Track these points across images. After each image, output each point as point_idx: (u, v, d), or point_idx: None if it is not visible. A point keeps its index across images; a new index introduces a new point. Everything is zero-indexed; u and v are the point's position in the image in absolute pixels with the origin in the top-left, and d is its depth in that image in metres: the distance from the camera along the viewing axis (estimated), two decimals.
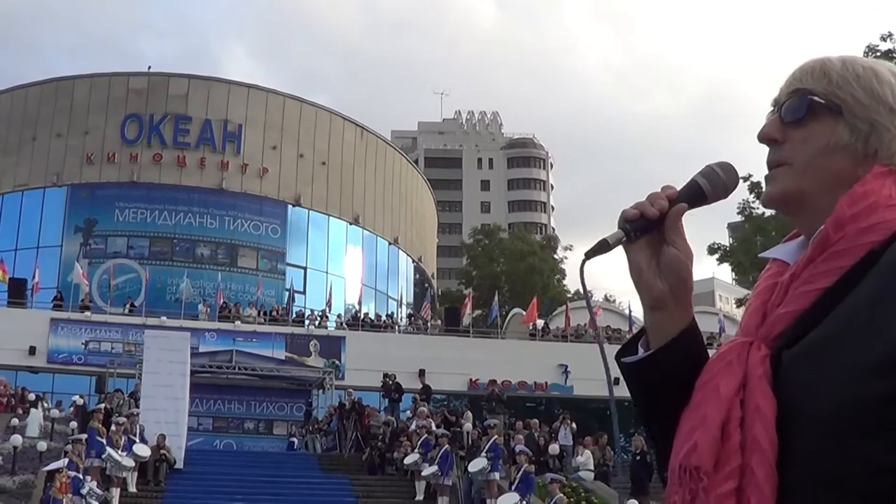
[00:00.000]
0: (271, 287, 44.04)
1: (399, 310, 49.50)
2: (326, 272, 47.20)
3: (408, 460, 23.35)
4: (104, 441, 20.56)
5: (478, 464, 21.27)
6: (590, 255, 1.38)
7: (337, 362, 35.58)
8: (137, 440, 21.93)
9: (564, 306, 44.12)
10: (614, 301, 64.28)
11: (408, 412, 29.30)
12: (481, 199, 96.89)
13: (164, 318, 34.86)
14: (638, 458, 22.97)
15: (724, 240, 38.96)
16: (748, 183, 28.67)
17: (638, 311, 34.50)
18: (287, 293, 41.69)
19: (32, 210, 45.21)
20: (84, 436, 20.58)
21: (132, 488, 21.35)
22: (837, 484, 1.16)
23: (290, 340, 36.22)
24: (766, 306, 1.35)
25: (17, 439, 20.70)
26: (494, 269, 69.55)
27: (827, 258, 1.27)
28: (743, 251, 32.20)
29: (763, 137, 1.42)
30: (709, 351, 1.40)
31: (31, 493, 18.93)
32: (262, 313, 38.76)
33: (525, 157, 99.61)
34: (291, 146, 47.93)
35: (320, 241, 48.35)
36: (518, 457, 20.76)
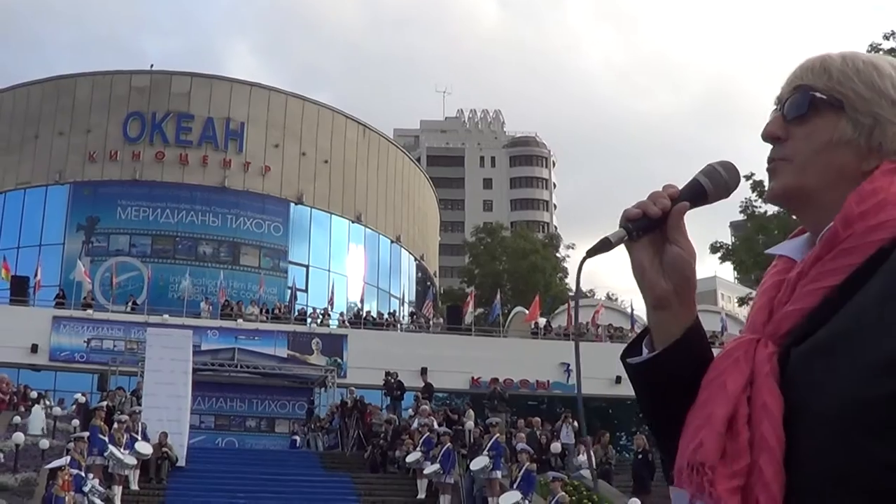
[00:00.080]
0: (273, 285, 44.08)
1: (401, 308, 49.50)
2: (328, 270, 47.22)
3: (410, 458, 23.34)
4: (106, 439, 20.59)
5: (480, 462, 21.27)
6: (591, 253, 1.37)
7: (339, 360, 35.58)
8: (139, 438, 21.96)
9: (566, 305, 44.09)
10: (616, 300, 64.31)
11: (410, 410, 29.31)
12: (483, 197, 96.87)
13: (166, 316, 34.91)
14: (640, 456, 22.97)
15: (727, 238, 38.94)
16: (750, 182, 28.59)
17: (640, 310, 34.50)
18: (289, 291, 41.70)
19: (35, 208, 45.24)
20: (86, 434, 20.60)
21: (134, 486, 21.37)
22: (844, 482, 1.16)
23: (292, 338, 36.23)
24: (772, 303, 1.34)
25: (19, 437, 20.72)
26: (496, 268, 69.55)
27: (835, 256, 1.26)
28: (745, 250, 32.13)
29: (766, 135, 1.42)
30: (712, 350, 1.40)
31: (34, 490, 18.94)
32: (264, 311, 38.77)
33: (527, 155, 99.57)
34: (294, 144, 47.96)
35: (322, 239, 48.36)
36: (520, 455, 20.78)
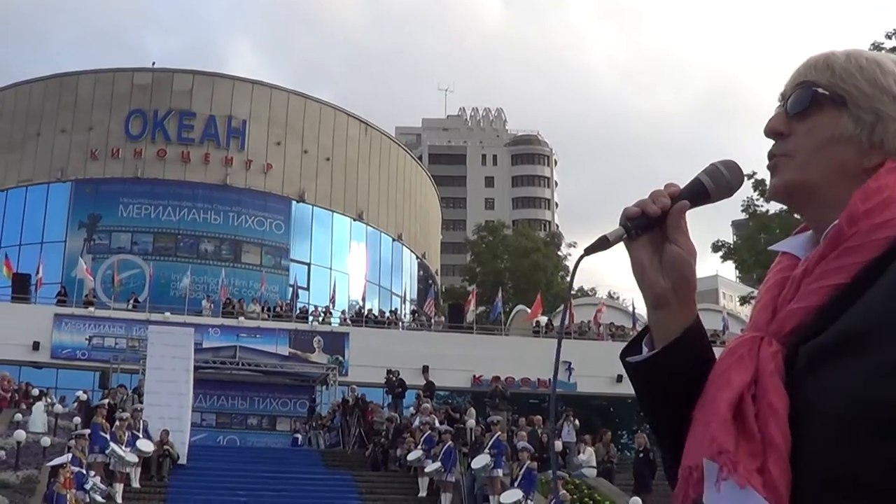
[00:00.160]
0: (275, 283, 44.09)
1: (403, 306, 49.49)
2: (330, 268, 47.22)
3: (411, 457, 23.34)
4: (108, 436, 20.60)
5: (481, 460, 21.27)
6: (589, 251, 1.36)
7: (340, 358, 35.59)
8: (141, 436, 21.94)
9: (568, 303, 43.96)
10: (618, 298, 64.34)
11: (411, 408, 29.29)
12: (485, 195, 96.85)
13: (167, 314, 34.91)
14: (641, 455, 22.96)
15: (729, 237, 38.94)
16: (752, 181, 28.59)
17: (642, 309, 34.45)
18: (291, 289, 41.70)
19: (36, 205, 45.27)
20: (88, 431, 20.61)
21: (135, 484, 21.36)
22: (850, 481, 1.15)
23: (293, 336, 36.24)
24: (776, 301, 1.33)
25: (20, 434, 20.69)
26: (498, 266, 69.53)
27: (840, 254, 1.26)
28: (747, 249, 32.16)
29: (769, 131, 1.42)
30: (713, 349, 1.39)
31: (35, 488, 18.93)
32: (265, 309, 38.79)
33: (529, 153, 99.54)
34: (295, 142, 47.96)
35: (324, 237, 48.37)
36: (521, 453, 20.77)
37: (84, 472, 18.56)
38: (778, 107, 1.43)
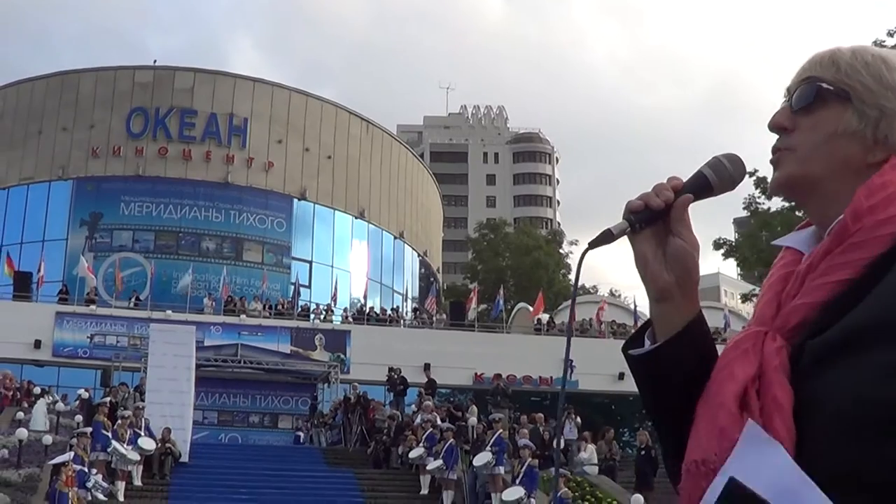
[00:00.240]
0: (277, 281, 44.09)
1: (404, 304, 49.47)
2: (332, 266, 47.25)
3: (413, 454, 23.35)
4: (109, 434, 20.61)
5: (482, 458, 21.26)
6: (593, 245, 1.36)
7: (342, 356, 35.61)
8: (143, 434, 21.94)
9: (570, 301, 43.99)
10: (620, 296, 64.34)
11: (413, 406, 29.29)
12: (487, 193, 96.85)
13: (169, 312, 34.93)
14: (643, 453, 22.97)
15: (730, 235, 38.93)
16: (754, 178, 28.54)
17: (643, 306, 34.48)
18: (292, 287, 41.70)
19: (38, 203, 45.31)
20: (89, 429, 20.61)
21: (137, 482, 21.36)
22: (854, 479, 1.14)
23: (295, 334, 36.26)
24: (780, 297, 1.33)
25: (22, 433, 20.71)
26: (500, 264, 69.51)
27: (845, 250, 1.25)
28: (748, 246, 32.11)
29: (773, 125, 1.41)
30: (715, 344, 1.38)
31: (37, 486, 18.94)
32: (267, 307, 38.81)
33: (531, 151, 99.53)
34: (297, 140, 47.97)
35: (326, 234, 48.40)
36: (522, 451, 20.76)
37: (86, 470, 18.55)
38: (783, 102, 1.43)
